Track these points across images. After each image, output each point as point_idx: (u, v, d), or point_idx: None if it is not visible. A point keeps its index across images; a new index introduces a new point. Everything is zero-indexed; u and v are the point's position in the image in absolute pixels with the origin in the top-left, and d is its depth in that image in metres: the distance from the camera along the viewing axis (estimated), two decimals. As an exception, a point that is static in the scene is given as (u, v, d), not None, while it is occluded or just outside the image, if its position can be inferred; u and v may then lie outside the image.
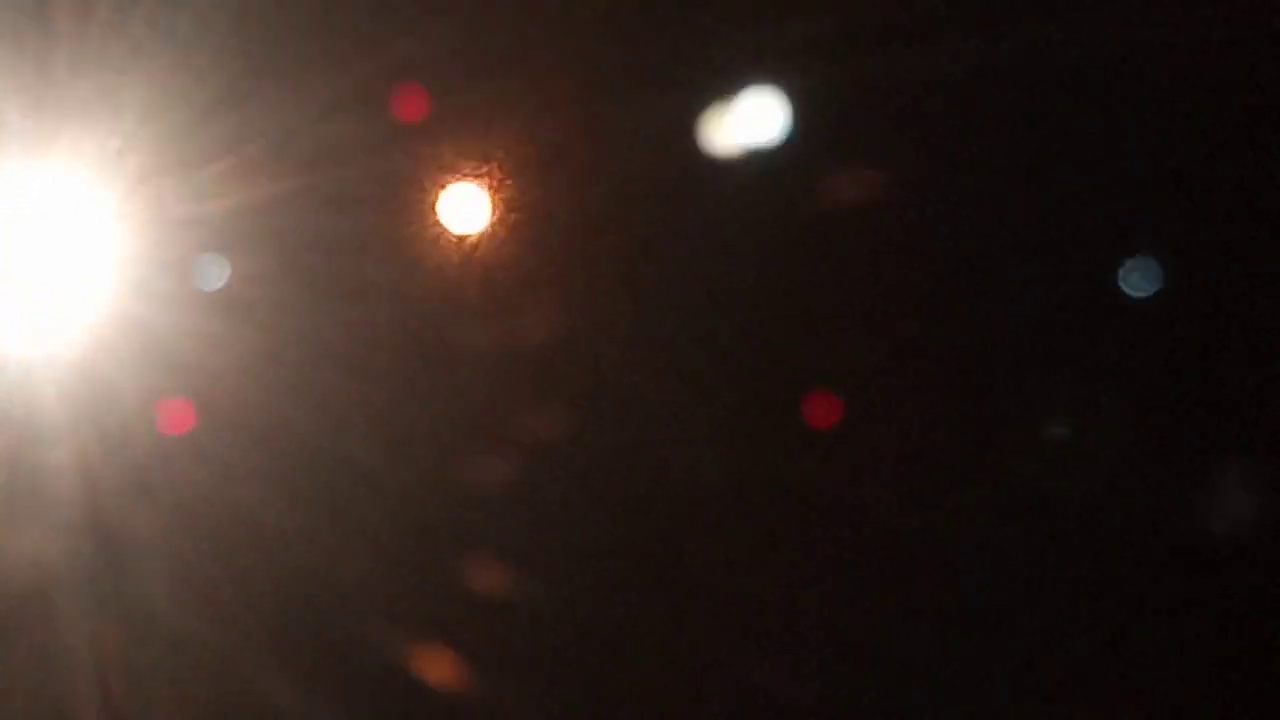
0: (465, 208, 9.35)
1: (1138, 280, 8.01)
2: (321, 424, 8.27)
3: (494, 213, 9.18)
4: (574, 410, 9.10)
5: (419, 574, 7.65)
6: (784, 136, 9.06)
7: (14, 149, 8.57)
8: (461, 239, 9.36)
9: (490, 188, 9.56)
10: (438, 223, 9.60)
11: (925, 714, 7.07)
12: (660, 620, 7.15)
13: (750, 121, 8.90)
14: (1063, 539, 7.30)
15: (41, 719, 7.06)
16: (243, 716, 7.20)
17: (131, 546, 10.70)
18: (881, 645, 7.13)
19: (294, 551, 9.30)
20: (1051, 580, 7.22)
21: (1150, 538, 7.33)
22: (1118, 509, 7.56)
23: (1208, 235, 8.18)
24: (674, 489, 7.41)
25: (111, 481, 11.10)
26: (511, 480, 7.74)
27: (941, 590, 7.58)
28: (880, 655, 7.20)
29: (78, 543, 9.59)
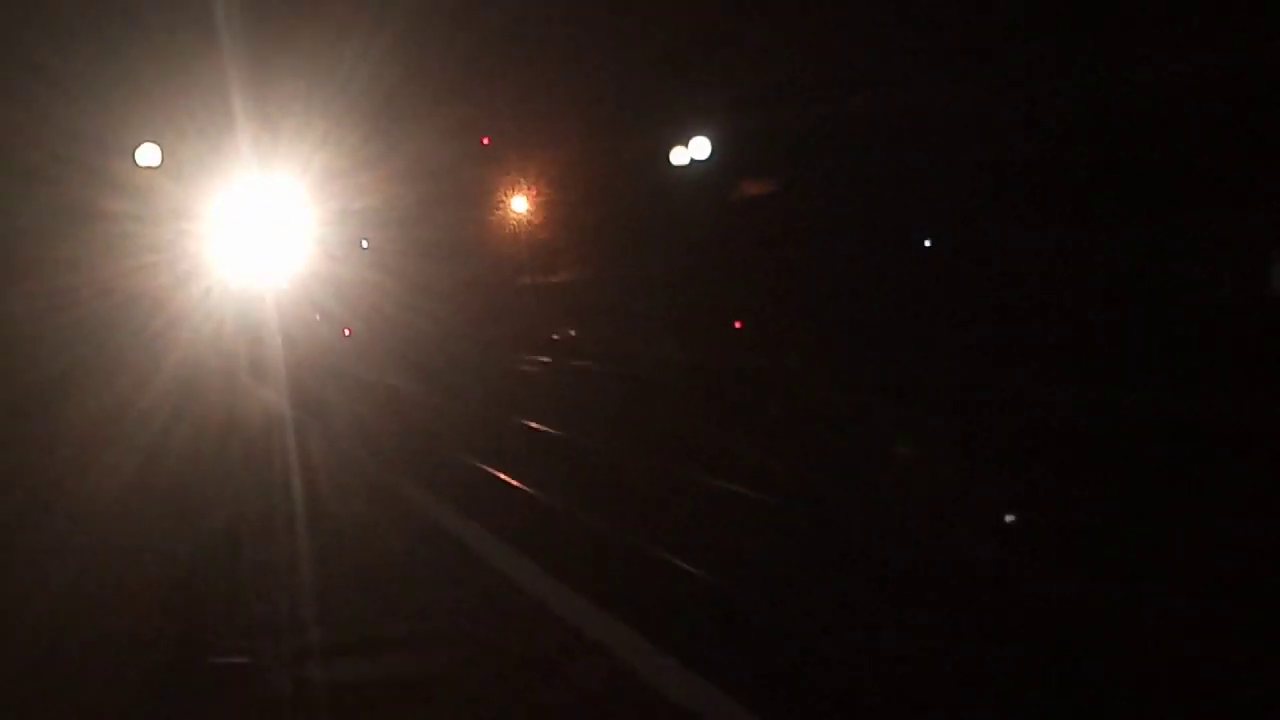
0: (517, 200, 23.13)
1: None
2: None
3: (533, 204, 23.64)
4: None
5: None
6: (706, 159, 23.05)
7: (250, 158, 17.08)
8: (516, 218, 23.28)
9: (531, 189, 24.35)
10: (503, 208, 23.85)
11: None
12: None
13: (686, 151, 22.56)
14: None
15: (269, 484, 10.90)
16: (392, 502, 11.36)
17: (325, 403, 17.69)
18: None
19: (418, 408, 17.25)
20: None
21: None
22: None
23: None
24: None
25: (309, 365, 19.34)
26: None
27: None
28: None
29: (291, 400, 16.87)
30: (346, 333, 42.45)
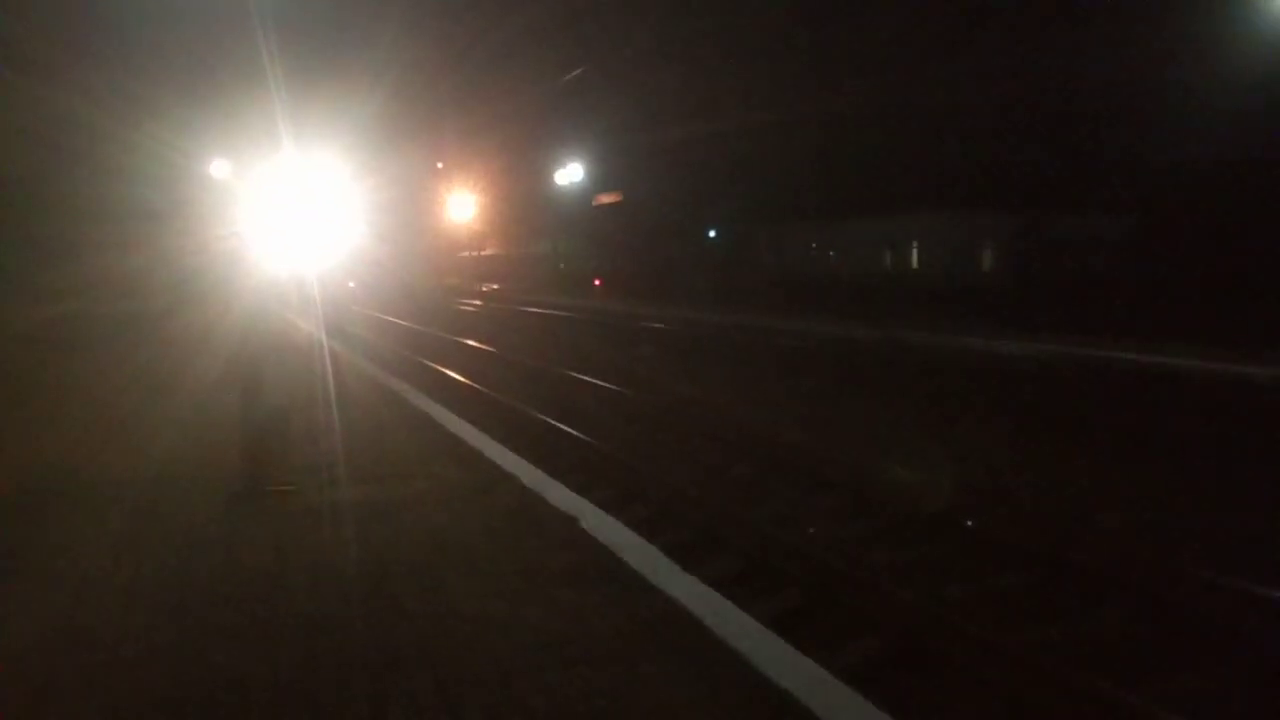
0: (458, 202, 21.11)
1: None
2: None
3: (468, 205, 21.89)
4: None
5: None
6: (581, 179, 21.80)
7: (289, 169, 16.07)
8: (458, 214, 21.46)
9: (468, 195, 22.26)
10: (449, 207, 22.07)
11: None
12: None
13: (565, 172, 21.33)
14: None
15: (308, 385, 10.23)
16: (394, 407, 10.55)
17: (340, 329, 17.16)
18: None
19: (397, 332, 16.78)
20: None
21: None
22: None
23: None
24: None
25: (331, 307, 18.53)
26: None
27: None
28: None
29: (319, 327, 16.20)
30: (351, 284, 41.97)
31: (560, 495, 5.85)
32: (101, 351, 16.15)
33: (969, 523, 6.27)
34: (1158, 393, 11.67)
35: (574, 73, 25.07)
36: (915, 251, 32.84)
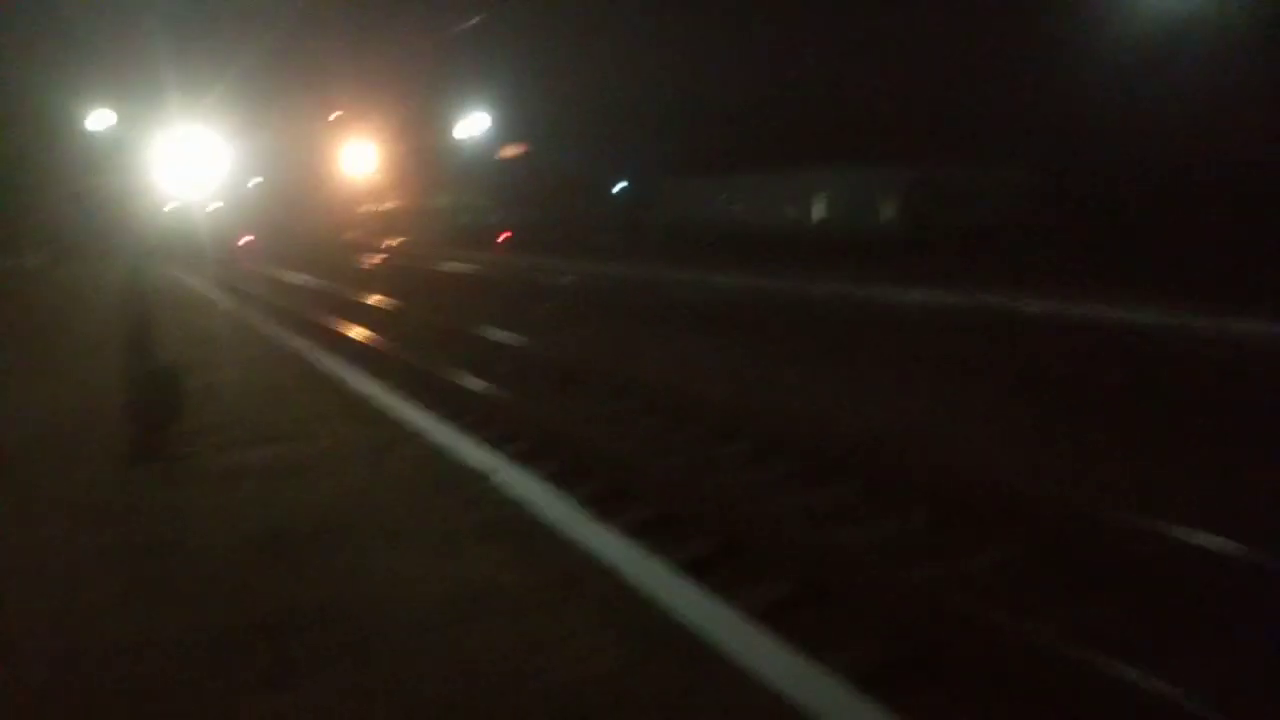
0: (356, 153, 20.11)
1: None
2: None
3: (375, 159, 20.83)
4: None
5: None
6: (485, 131, 21.08)
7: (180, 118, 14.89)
8: (355, 167, 20.37)
9: (365, 148, 21.37)
10: (348, 160, 20.86)
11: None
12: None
13: (473, 123, 20.72)
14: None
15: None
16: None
17: (235, 287, 16.45)
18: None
19: (294, 288, 16.02)
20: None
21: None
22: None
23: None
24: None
25: (227, 263, 17.92)
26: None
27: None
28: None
29: (215, 283, 15.63)
30: (244, 240, 40.28)
31: (470, 451, 5.81)
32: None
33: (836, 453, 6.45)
34: (1035, 339, 12.15)
35: (473, 19, 24.39)
36: (818, 205, 33.37)
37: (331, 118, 42.01)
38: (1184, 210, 19.68)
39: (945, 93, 27.63)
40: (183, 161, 14.98)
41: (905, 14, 27.07)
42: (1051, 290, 14.81)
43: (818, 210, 33.22)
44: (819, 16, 29.19)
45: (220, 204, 36.49)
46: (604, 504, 5.83)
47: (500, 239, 39.18)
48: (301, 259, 34.86)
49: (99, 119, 25.85)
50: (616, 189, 39.36)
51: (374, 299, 20.02)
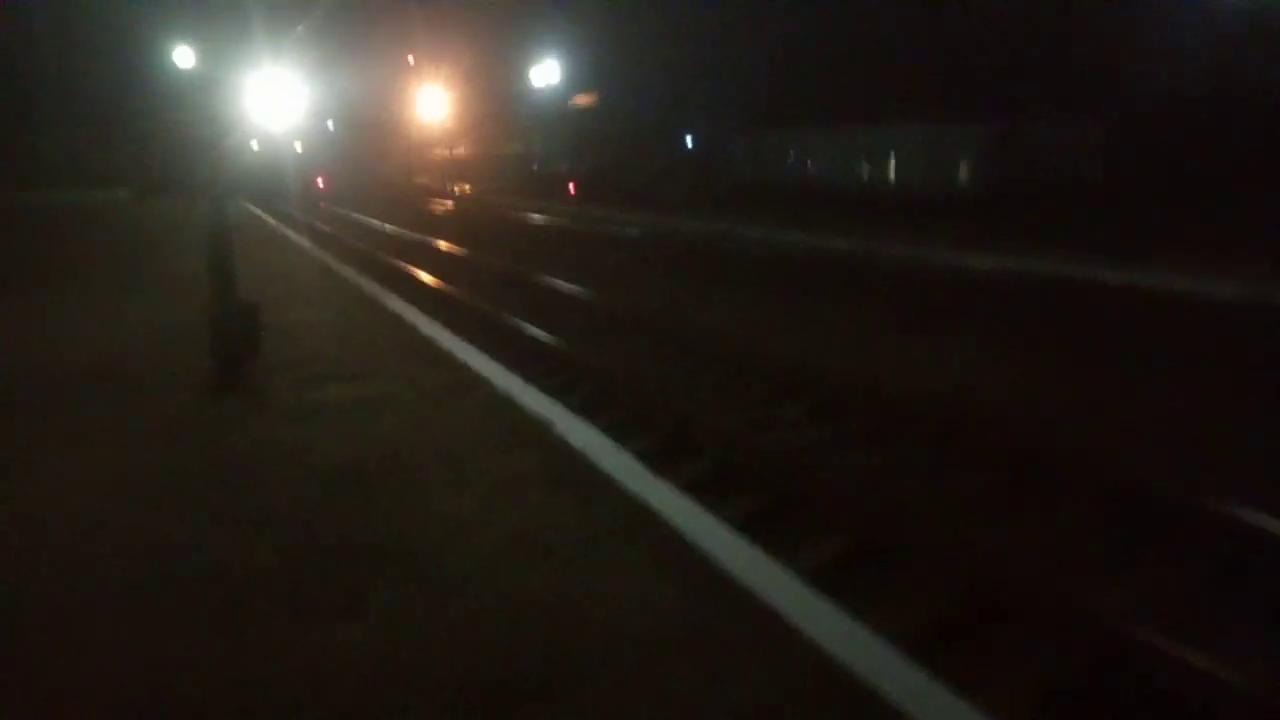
0: (431, 98, 20.41)
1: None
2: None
3: (441, 102, 21.02)
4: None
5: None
6: (557, 80, 20.81)
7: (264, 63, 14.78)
8: (430, 112, 20.38)
9: (440, 92, 21.65)
10: (421, 106, 20.88)
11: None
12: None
13: (545, 72, 20.46)
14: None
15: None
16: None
17: (316, 229, 16.77)
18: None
19: (370, 231, 16.03)
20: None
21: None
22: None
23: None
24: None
25: (310, 201, 18.20)
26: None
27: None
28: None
29: (300, 224, 15.82)
30: (321, 181, 41.08)
31: (533, 399, 5.92)
32: (74, 239, 15.78)
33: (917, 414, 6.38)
34: (1130, 313, 11.65)
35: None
36: (893, 162, 32.61)
37: (407, 62, 42.37)
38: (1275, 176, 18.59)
39: (1026, 43, 26.54)
40: (265, 101, 15.22)
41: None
42: (1137, 259, 14.20)
43: (891, 167, 32.48)
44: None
45: (300, 145, 37.19)
46: (662, 457, 5.92)
47: (569, 188, 39.19)
48: (375, 202, 35.42)
49: (184, 56, 26.38)
50: (687, 141, 38.93)
51: (443, 243, 20.28)
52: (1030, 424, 6.62)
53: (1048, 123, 27.36)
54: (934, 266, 16.31)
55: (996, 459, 5.84)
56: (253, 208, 23.59)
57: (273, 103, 15.10)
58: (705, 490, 5.19)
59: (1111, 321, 10.89)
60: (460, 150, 55.92)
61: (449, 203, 38.59)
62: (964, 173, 31.09)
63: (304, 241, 17.93)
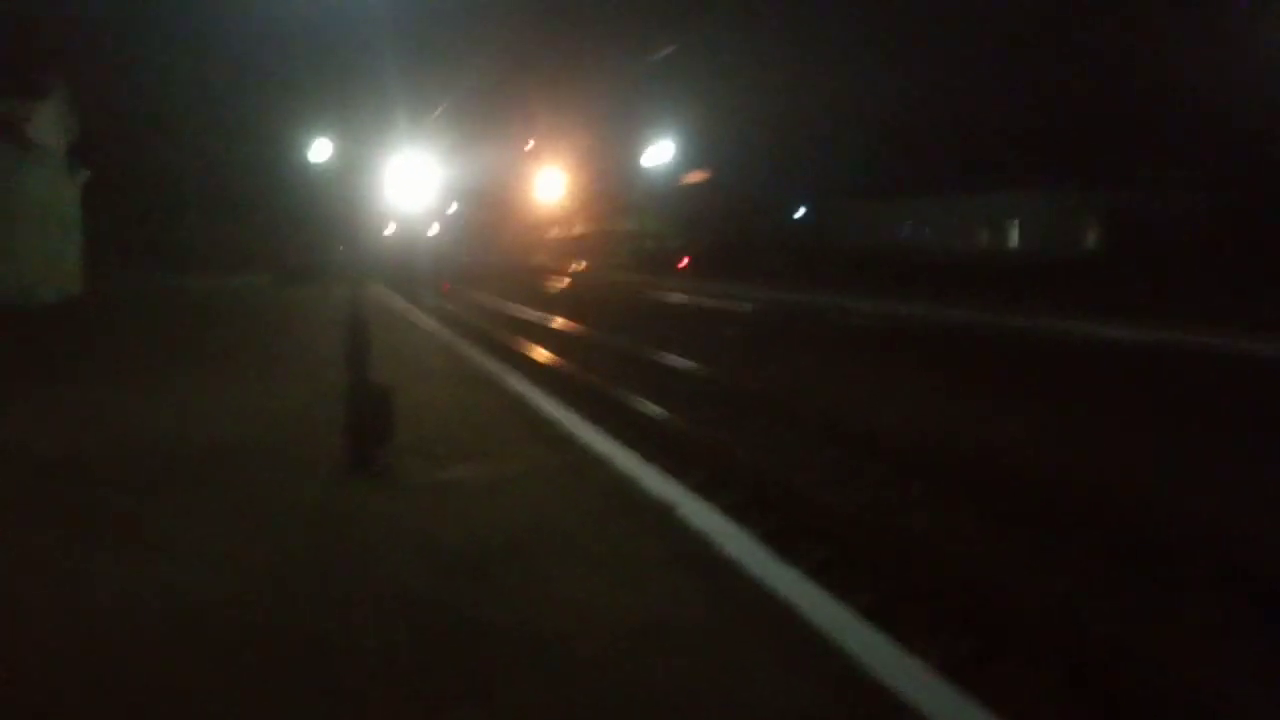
0: (548, 181, 21.27)
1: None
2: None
3: (557, 185, 21.84)
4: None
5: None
6: (670, 158, 21.18)
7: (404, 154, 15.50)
8: (546, 194, 21.33)
9: (556, 175, 22.62)
10: (535, 186, 21.85)
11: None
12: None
13: (658, 151, 20.97)
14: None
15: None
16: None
17: (454, 316, 17.30)
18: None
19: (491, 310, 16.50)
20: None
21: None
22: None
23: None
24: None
25: (444, 282, 18.82)
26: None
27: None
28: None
29: (433, 309, 16.40)
30: (443, 262, 43.03)
31: (654, 481, 5.92)
32: (220, 324, 16.81)
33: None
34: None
35: (662, 51, 25.01)
36: (1016, 230, 31.82)
37: (526, 147, 44.22)
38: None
39: (1141, 112, 25.82)
40: (403, 184, 16.12)
41: (1101, 29, 25.52)
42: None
43: (1011, 237, 31.66)
44: (1008, 38, 27.97)
45: (427, 231, 39.13)
46: (783, 539, 5.79)
47: (681, 264, 39.72)
48: (495, 282, 36.69)
49: (320, 149, 28.20)
50: (797, 214, 39.08)
51: (559, 322, 20.75)
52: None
53: (1157, 188, 26.49)
54: (1054, 336, 15.82)
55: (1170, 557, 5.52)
56: (384, 288, 24.84)
57: (410, 186, 15.90)
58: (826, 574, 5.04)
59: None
60: (576, 230, 57.60)
61: (565, 281, 39.61)
62: (1090, 239, 30.05)
63: (430, 321, 18.65)
